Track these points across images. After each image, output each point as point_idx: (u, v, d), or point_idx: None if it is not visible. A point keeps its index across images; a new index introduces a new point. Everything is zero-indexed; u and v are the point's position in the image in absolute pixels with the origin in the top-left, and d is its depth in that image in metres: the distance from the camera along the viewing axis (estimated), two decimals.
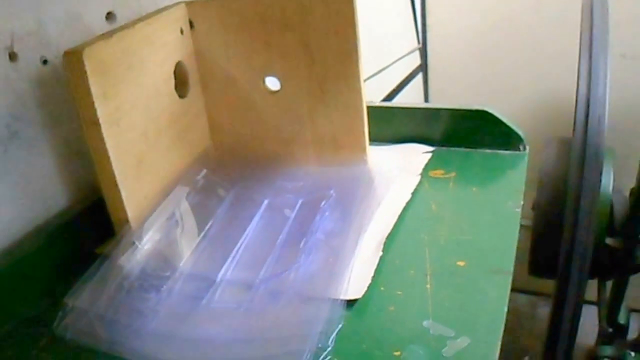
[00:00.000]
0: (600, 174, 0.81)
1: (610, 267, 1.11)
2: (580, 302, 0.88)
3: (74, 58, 0.48)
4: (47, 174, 0.58)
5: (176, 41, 0.64)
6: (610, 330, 1.06)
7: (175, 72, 0.63)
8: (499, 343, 0.44)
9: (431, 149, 0.72)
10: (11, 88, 0.53)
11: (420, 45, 1.50)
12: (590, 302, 1.36)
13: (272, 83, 0.67)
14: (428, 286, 0.50)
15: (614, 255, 1.09)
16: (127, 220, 0.54)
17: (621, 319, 1.06)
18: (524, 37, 1.60)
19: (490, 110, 0.70)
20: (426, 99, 1.64)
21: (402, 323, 0.46)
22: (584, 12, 1.00)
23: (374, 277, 0.51)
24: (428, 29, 1.62)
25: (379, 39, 1.27)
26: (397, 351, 0.43)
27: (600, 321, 1.12)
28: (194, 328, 0.45)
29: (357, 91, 0.64)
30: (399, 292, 0.50)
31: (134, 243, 0.52)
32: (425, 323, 0.46)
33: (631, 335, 1.18)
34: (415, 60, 1.51)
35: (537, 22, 1.59)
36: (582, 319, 1.35)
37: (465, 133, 0.72)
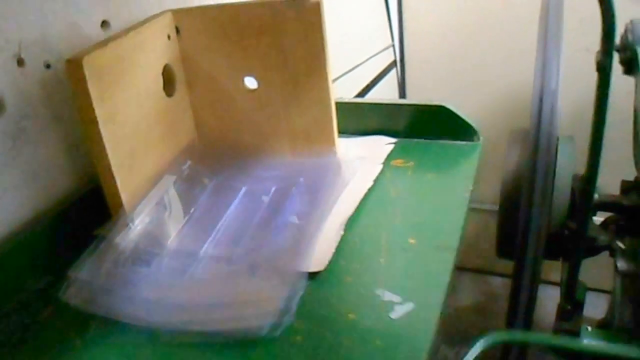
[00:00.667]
0: (553, 161, 0.88)
1: (572, 248, 1.20)
2: (536, 280, 0.95)
3: (74, 65, 0.56)
4: (51, 165, 0.66)
5: (164, 46, 0.71)
6: (569, 307, 1.15)
7: (163, 74, 0.71)
8: (440, 308, 0.52)
9: (394, 140, 0.80)
10: (19, 90, 0.61)
11: (394, 43, 1.57)
12: (557, 284, 1.45)
13: (251, 82, 0.74)
14: (382, 260, 0.58)
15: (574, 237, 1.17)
16: (121, 205, 0.62)
17: (578, 297, 1.14)
18: (496, 34, 1.68)
19: (447, 106, 0.78)
20: (401, 94, 1.71)
21: (357, 291, 0.54)
22: (542, 10, 1.08)
23: (335, 252, 0.58)
24: (404, 25, 1.70)
25: (353, 37, 1.35)
26: (351, 314, 0.51)
27: (560, 299, 1.20)
28: (180, 295, 0.53)
29: (326, 89, 0.71)
30: (357, 266, 0.57)
31: (127, 224, 0.60)
32: (377, 291, 0.54)
33: (591, 312, 1.27)
34: (389, 57, 1.58)
35: (508, 19, 1.66)
36: (549, 300, 1.44)
37: (425, 126, 0.80)
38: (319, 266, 0.56)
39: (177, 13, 0.73)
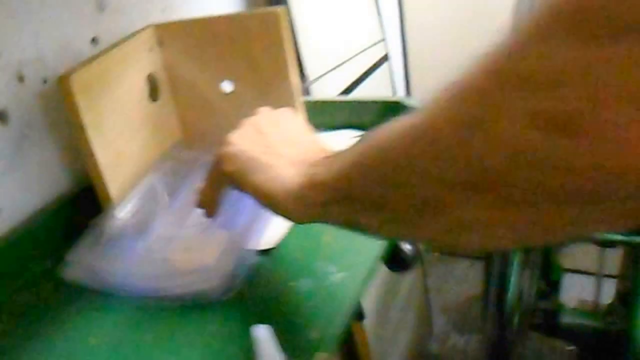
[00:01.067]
0: None
1: None
2: (506, 263, 1.07)
3: (64, 81, 0.70)
4: (51, 166, 0.81)
5: (147, 57, 0.86)
6: (546, 287, 1.27)
7: (148, 81, 0.86)
8: (367, 278, 0.66)
9: (360, 133, 0.94)
10: (21, 102, 0.76)
11: (385, 37, 1.70)
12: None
13: (226, 86, 0.88)
14: (327, 238, 0.72)
15: None
16: (110, 199, 0.77)
17: (554, 278, 1.27)
18: (499, 24, 1.79)
19: (403, 101, 0.91)
20: (393, 89, 1.83)
21: (302, 264, 0.68)
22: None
23: (288, 232, 0.73)
24: (405, 18, 1.82)
25: (340, 33, 1.48)
26: (293, 282, 0.66)
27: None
28: (155, 269, 0.68)
29: (291, 92, 0.85)
30: (306, 243, 0.71)
31: (115, 215, 0.75)
32: (318, 263, 0.68)
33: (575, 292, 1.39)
34: (380, 52, 1.70)
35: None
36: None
37: (386, 120, 0.93)
38: (270, 244, 0.70)
39: (159, 27, 0.87)
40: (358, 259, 0.68)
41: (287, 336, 0.57)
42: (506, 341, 1.15)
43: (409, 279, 1.75)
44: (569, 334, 1.18)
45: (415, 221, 0.41)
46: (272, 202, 0.54)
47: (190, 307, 0.64)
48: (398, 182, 0.39)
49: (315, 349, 0.56)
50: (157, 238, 0.72)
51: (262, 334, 0.53)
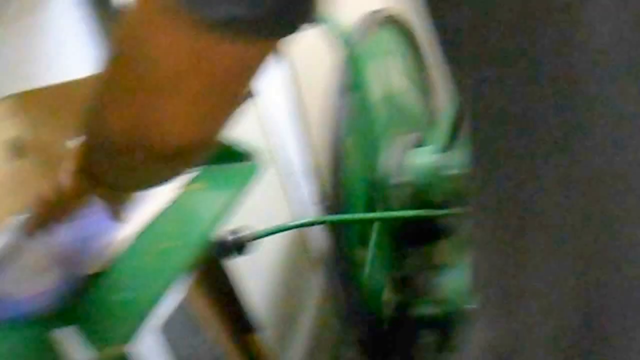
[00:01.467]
0: (338, 164, 1.22)
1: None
2: (349, 260, 1.27)
3: None
4: None
5: (8, 122, 1.07)
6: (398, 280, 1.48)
7: (11, 144, 1.07)
8: (163, 294, 0.88)
9: (196, 169, 1.15)
10: None
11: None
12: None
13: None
14: (146, 259, 0.94)
15: None
16: None
17: (407, 271, 1.48)
18: None
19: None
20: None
21: (126, 281, 0.90)
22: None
23: (122, 256, 0.94)
24: None
25: None
26: (115, 296, 0.87)
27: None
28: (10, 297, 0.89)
29: None
30: (132, 263, 0.93)
31: None
32: (140, 281, 0.89)
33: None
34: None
35: None
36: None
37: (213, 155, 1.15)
38: (98, 268, 0.92)
39: (19, 95, 1.09)
40: (172, 276, 0.90)
41: (94, 336, 0.78)
42: (370, 337, 1.34)
43: (311, 288, 1.95)
44: (421, 324, 1.38)
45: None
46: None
47: (24, 324, 0.85)
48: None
49: (114, 343, 0.78)
50: (13, 270, 0.93)
51: (65, 334, 0.75)
